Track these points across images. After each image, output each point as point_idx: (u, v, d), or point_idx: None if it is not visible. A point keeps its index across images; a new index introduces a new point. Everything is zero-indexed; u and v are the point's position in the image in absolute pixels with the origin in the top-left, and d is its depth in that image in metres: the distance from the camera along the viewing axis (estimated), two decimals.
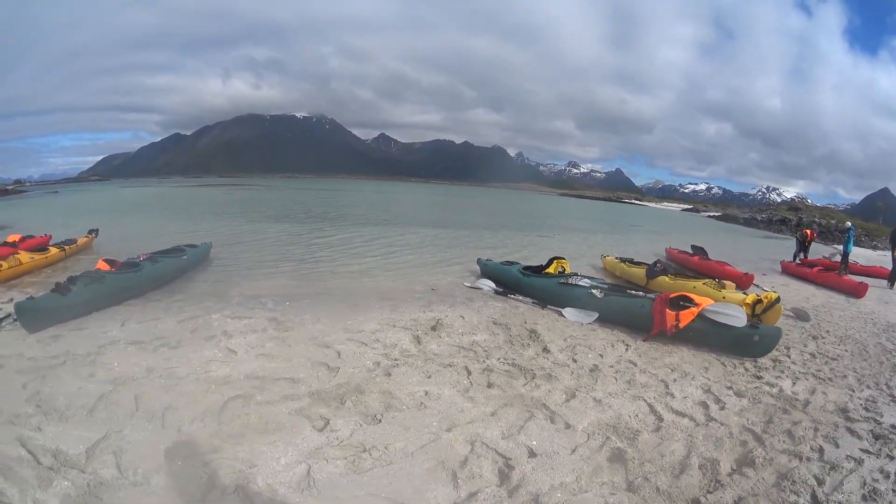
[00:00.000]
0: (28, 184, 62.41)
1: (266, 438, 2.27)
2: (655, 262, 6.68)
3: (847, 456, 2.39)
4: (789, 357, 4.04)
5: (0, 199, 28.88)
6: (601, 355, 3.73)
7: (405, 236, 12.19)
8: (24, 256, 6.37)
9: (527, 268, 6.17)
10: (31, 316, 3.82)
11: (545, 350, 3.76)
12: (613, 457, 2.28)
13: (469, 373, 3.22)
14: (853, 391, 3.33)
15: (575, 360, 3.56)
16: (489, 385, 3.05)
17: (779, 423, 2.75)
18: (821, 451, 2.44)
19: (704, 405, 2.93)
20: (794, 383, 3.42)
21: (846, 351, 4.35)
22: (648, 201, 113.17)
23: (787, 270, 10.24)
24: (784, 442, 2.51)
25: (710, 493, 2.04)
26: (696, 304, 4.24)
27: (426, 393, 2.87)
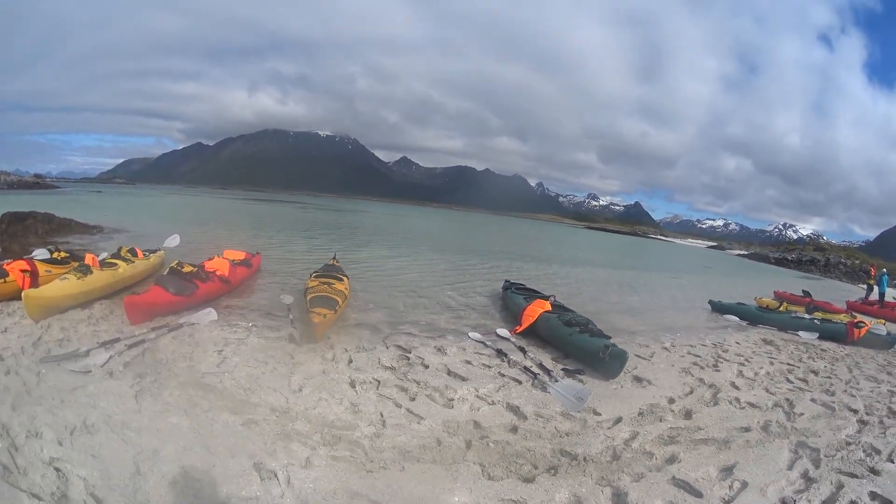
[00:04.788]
0: (48, 179, 57.63)
1: None
2: (810, 303, 10.61)
3: None
4: None
5: (42, 194, 28.36)
6: (841, 351, 7.12)
7: (602, 275, 15.09)
8: (340, 286, 5.93)
9: (760, 307, 9.48)
10: None
11: (822, 349, 7.04)
12: None
13: (810, 361, 6.44)
14: None
15: (834, 353, 6.94)
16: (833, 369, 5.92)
17: None
18: None
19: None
20: None
21: None
22: (670, 237, 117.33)
23: (852, 308, 13.76)
24: None
25: None
26: (866, 325, 7.94)
27: (824, 367, 5.91)
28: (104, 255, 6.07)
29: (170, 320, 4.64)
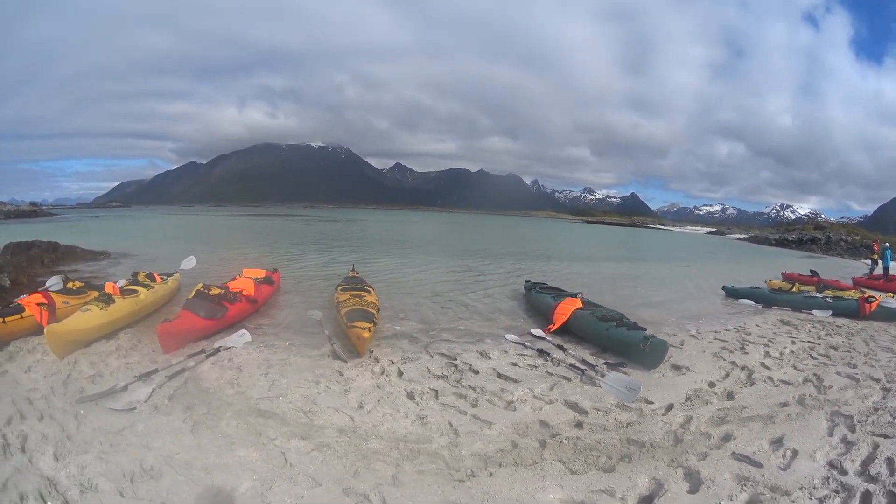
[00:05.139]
0: (44, 207, 56.71)
1: None
2: (819, 282, 10.78)
3: None
4: None
5: (41, 222, 28.03)
6: (855, 326, 7.38)
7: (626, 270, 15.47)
8: (370, 297, 6.04)
9: (772, 290, 9.57)
10: None
11: (837, 325, 7.32)
12: None
13: (828, 338, 6.63)
14: None
15: (848, 328, 7.21)
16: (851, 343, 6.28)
17: None
18: None
19: None
20: None
21: None
22: (669, 225, 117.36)
23: (858, 283, 13.96)
24: None
25: None
26: (877, 299, 8.14)
27: (842, 342, 6.26)
28: (122, 281, 5.86)
29: (204, 345, 4.46)
